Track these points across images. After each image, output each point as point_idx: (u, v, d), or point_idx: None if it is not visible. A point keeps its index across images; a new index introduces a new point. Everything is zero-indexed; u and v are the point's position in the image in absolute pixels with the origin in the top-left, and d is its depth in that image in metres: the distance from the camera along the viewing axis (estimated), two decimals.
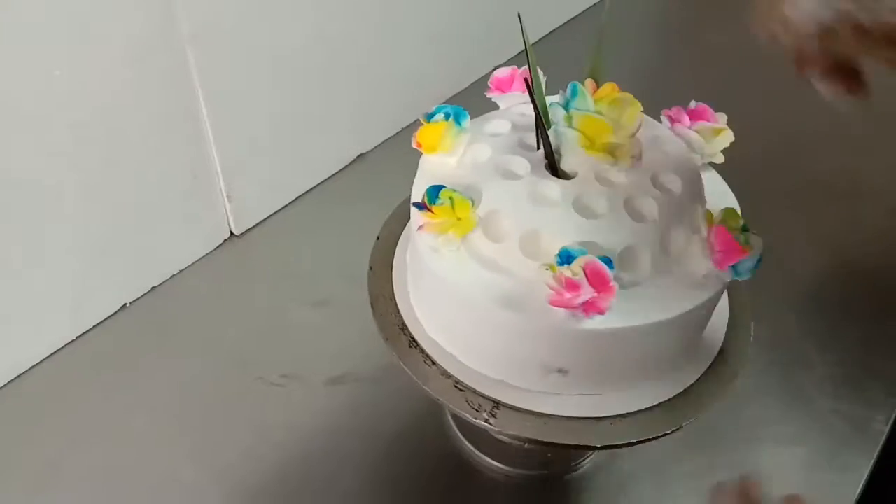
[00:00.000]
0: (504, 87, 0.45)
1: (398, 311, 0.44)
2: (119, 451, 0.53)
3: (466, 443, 0.54)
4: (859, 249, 0.70)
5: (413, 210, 0.39)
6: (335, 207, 0.71)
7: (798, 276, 0.67)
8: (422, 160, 0.43)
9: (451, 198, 0.38)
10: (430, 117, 0.42)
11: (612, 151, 0.39)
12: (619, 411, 0.40)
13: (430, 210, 0.38)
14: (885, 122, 0.83)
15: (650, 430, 0.39)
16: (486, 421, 0.39)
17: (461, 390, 0.40)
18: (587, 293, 0.34)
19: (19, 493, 0.51)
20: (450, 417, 0.55)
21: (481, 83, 0.85)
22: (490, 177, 0.40)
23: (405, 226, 0.48)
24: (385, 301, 0.44)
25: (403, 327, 0.43)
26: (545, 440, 0.39)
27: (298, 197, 0.71)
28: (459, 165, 0.42)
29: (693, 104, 0.44)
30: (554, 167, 0.40)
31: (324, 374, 0.58)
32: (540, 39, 0.92)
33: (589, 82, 0.40)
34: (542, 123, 0.39)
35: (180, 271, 0.64)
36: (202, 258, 0.66)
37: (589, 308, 0.35)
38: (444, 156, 0.42)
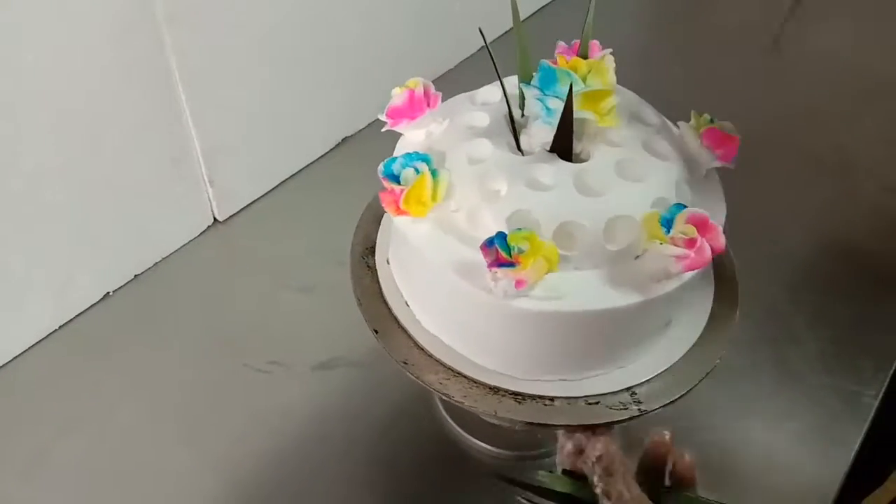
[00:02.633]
0: (404, 114, 0.41)
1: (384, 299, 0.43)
2: (105, 441, 0.53)
3: (455, 426, 0.53)
4: (850, 226, 0.70)
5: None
6: (320, 192, 0.70)
7: (789, 253, 0.67)
8: (400, 140, 0.43)
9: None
10: (392, 176, 0.38)
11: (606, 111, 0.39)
12: (600, 391, 0.39)
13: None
14: (877, 99, 0.83)
15: (650, 404, 0.39)
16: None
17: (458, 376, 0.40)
18: (702, 241, 0.35)
19: (5, 483, 0.50)
20: (438, 401, 0.55)
21: (469, 63, 0.84)
22: (461, 157, 0.39)
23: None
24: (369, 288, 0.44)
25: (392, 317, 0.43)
26: (552, 423, 0.39)
27: (283, 182, 0.71)
28: (434, 140, 0.41)
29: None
30: (518, 144, 0.39)
31: (311, 359, 0.57)
32: (527, 17, 0.91)
33: (560, 58, 0.39)
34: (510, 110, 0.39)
35: (163, 259, 0.64)
36: (186, 245, 0.65)
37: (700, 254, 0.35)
38: (439, 206, 0.38)
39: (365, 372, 0.57)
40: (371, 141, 0.75)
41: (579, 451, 0.38)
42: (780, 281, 0.64)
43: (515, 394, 0.39)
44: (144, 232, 0.61)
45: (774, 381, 0.57)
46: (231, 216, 0.68)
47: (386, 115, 0.41)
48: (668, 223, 0.35)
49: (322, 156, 0.73)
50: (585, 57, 0.40)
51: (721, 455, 0.52)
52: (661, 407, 0.39)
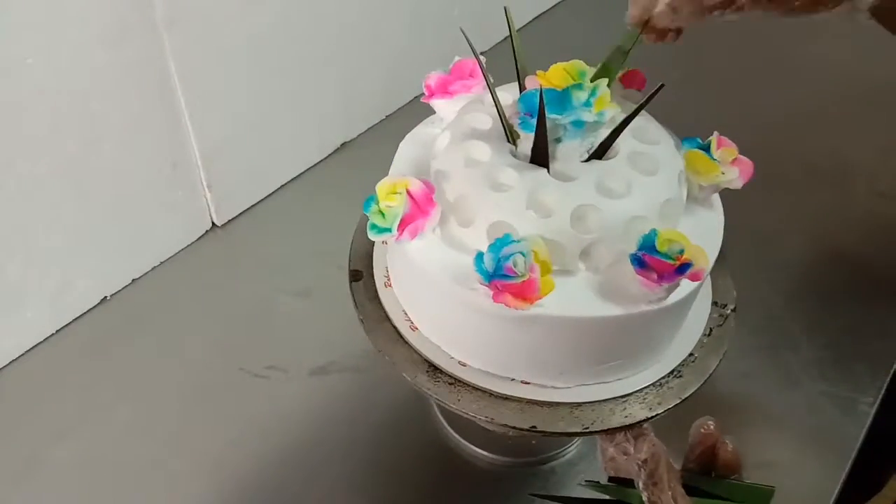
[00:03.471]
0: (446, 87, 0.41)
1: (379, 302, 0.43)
2: (102, 445, 0.53)
3: (452, 431, 0.53)
4: (846, 231, 0.70)
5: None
6: (318, 196, 0.70)
7: (785, 259, 0.67)
8: (400, 145, 0.43)
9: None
10: (492, 275, 0.34)
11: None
12: (599, 397, 0.39)
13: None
14: (871, 104, 0.83)
15: (628, 417, 0.39)
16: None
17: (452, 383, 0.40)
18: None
19: (1, 487, 0.50)
20: (435, 406, 0.54)
21: None
22: (460, 164, 0.39)
23: None
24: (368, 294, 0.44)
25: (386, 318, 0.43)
26: (532, 428, 0.38)
27: (281, 186, 0.71)
28: (433, 150, 0.41)
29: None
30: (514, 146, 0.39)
31: (308, 364, 0.57)
32: (525, 25, 0.91)
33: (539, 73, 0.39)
34: (504, 117, 0.39)
35: (161, 263, 0.64)
36: (183, 249, 0.65)
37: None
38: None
39: (362, 376, 0.57)
40: (369, 146, 0.75)
41: (624, 454, 0.37)
42: (777, 287, 0.64)
43: (572, 404, 0.39)
44: (142, 236, 0.61)
45: (771, 387, 0.57)
46: (229, 221, 0.68)
47: (398, 231, 0.37)
48: (709, 155, 0.39)
49: (320, 160, 0.73)
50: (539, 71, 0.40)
51: None
52: (709, 378, 0.41)
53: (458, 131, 0.40)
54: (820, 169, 0.76)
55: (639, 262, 0.33)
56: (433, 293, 0.39)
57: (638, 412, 0.39)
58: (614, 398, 0.39)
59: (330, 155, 0.74)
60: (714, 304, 0.44)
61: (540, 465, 0.52)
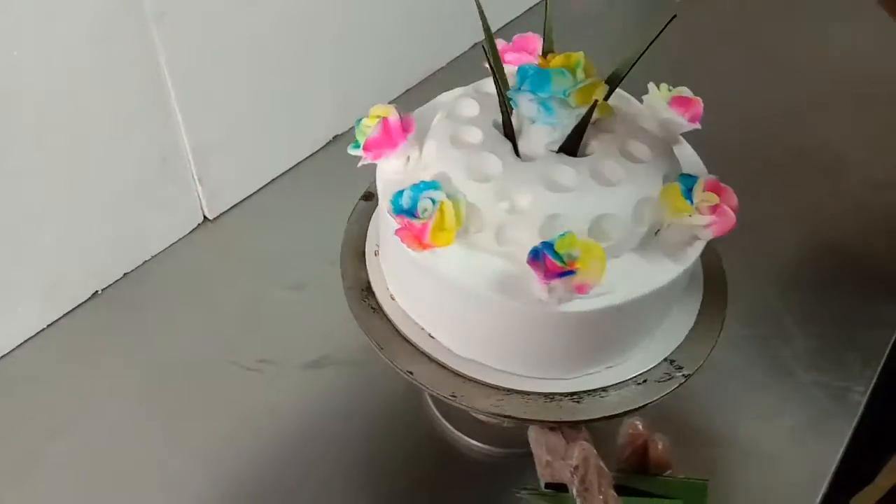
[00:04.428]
0: (383, 145, 0.39)
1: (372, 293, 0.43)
2: (94, 440, 0.52)
3: (446, 423, 0.53)
4: (839, 222, 0.70)
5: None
6: (311, 190, 0.70)
7: (778, 250, 0.67)
8: (378, 171, 0.42)
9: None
10: (404, 212, 0.36)
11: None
12: (590, 386, 0.40)
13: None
14: (863, 97, 0.83)
15: (618, 406, 0.39)
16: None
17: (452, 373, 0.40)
18: (724, 206, 0.37)
19: None
20: (428, 398, 0.54)
21: (459, 62, 0.84)
22: (459, 162, 0.38)
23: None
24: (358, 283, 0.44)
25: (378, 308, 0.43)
26: (522, 417, 0.39)
27: (273, 180, 0.70)
28: (425, 164, 0.41)
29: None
30: (516, 147, 0.39)
31: (301, 357, 0.57)
32: (509, 23, 0.91)
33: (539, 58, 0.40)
34: (506, 109, 0.39)
35: (153, 257, 0.63)
36: (175, 243, 0.65)
37: None
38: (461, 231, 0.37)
39: (355, 370, 0.56)
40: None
41: (559, 458, 0.38)
42: (769, 278, 0.64)
43: (572, 394, 0.39)
44: (133, 230, 0.61)
45: (763, 377, 0.57)
46: (221, 214, 0.67)
47: (364, 149, 0.39)
48: (688, 194, 0.37)
49: (312, 154, 0.73)
50: (551, 53, 0.41)
51: (710, 451, 0.53)
52: (699, 369, 0.40)
53: (454, 145, 0.40)
54: (812, 160, 0.76)
55: (534, 253, 0.34)
56: (469, 308, 0.38)
57: (629, 400, 0.39)
58: (661, 362, 0.40)
59: (322, 148, 0.73)
60: (669, 361, 0.42)
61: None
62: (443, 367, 0.40)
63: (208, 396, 0.55)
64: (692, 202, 0.36)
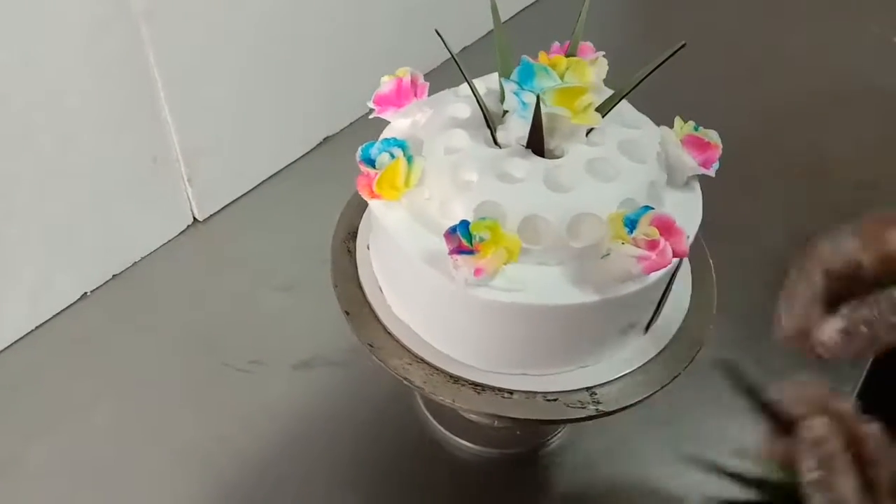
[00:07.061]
0: (391, 102, 0.43)
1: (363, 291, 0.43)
2: (83, 441, 0.52)
3: (436, 423, 0.53)
4: (825, 223, 0.71)
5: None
6: (301, 191, 0.70)
7: (768, 251, 0.67)
8: (386, 128, 0.43)
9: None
10: (368, 160, 0.39)
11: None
12: (580, 385, 0.40)
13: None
14: (849, 98, 0.84)
15: (609, 405, 0.39)
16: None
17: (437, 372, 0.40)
18: (664, 244, 0.35)
19: None
20: (419, 398, 0.55)
21: (452, 63, 0.84)
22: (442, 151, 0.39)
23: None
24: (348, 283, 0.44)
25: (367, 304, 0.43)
26: (509, 416, 0.39)
27: (263, 181, 0.70)
28: (417, 129, 0.42)
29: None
30: (495, 138, 0.40)
31: (292, 358, 0.57)
32: (513, 17, 0.91)
33: (541, 54, 0.40)
34: (480, 98, 0.39)
35: (142, 258, 0.63)
36: (165, 244, 0.64)
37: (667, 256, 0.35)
38: (412, 192, 0.39)
39: (346, 371, 0.56)
40: (352, 141, 0.73)
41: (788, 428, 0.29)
42: (757, 279, 0.64)
43: (475, 384, 0.39)
44: (123, 231, 0.61)
45: (752, 378, 0.58)
46: (211, 215, 0.67)
47: (373, 101, 0.42)
48: (631, 223, 0.35)
49: (303, 155, 0.73)
50: (573, 56, 0.41)
51: (697, 452, 0.53)
52: (619, 409, 0.39)
53: (441, 117, 0.42)
54: (798, 161, 0.77)
55: (453, 228, 0.35)
56: (406, 271, 0.39)
57: (606, 404, 0.39)
58: (579, 389, 0.40)
59: (313, 149, 0.74)
60: (590, 392, 0.40)
61: (524, 455, 0.53)
62: (398, 342, 0.41)
63: (198, 397, 0.55)
64: (632, 232, 0.35)
